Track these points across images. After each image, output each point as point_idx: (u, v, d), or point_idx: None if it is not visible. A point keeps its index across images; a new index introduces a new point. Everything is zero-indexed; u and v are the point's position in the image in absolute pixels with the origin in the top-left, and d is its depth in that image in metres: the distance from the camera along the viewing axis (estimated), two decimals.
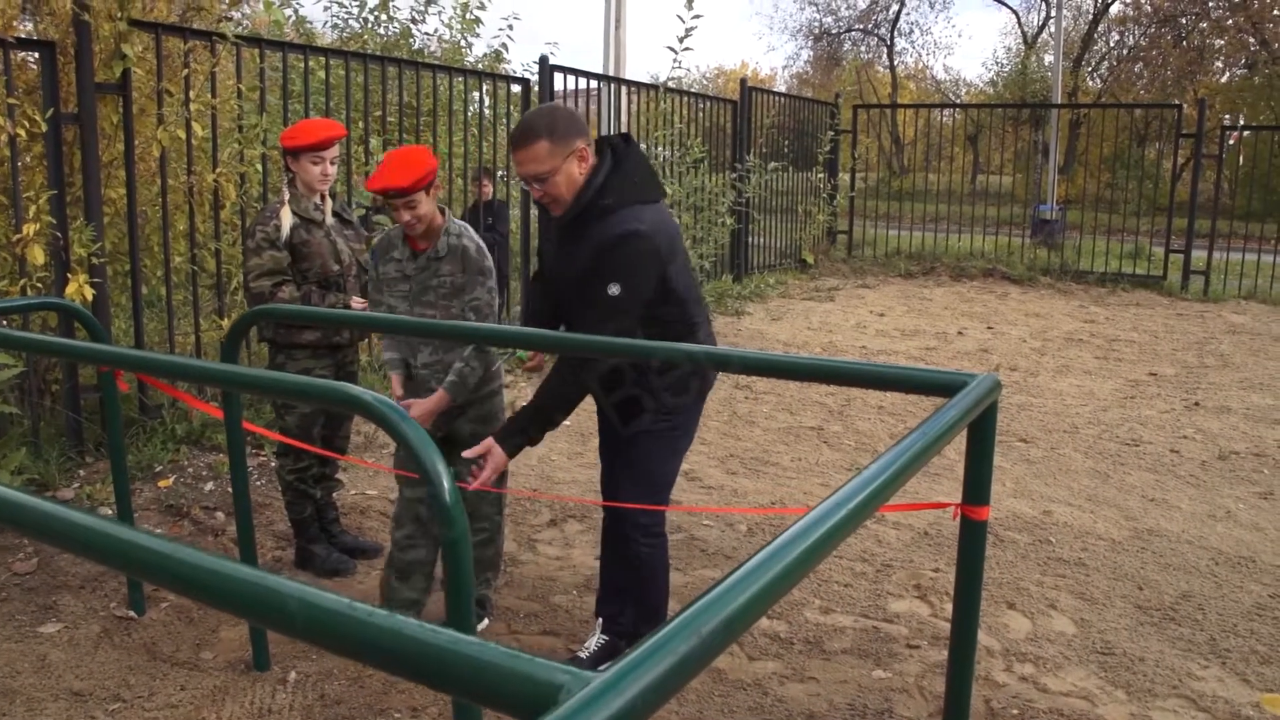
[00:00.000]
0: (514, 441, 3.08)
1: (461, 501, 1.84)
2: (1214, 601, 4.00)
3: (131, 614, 3.72)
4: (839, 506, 1.23)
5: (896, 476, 1.44)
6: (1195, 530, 4.75)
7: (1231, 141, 13.02)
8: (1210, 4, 27.37)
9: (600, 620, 3.54)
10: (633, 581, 3.39)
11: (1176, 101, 16.61)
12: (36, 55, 5.13)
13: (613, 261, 3.01)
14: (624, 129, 10.10)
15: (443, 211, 3.57)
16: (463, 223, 3.61)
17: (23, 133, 4.97)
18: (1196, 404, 7.13)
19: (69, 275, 5.02)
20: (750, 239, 12.39)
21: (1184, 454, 5.95)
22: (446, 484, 1.80)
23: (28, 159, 5.26)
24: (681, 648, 0.86)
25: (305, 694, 3.25)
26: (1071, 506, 5.05)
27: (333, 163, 4.08)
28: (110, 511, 4.46)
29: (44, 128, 5.01)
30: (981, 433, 1.97)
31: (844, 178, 14.62)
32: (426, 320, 3.27)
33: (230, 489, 3.67)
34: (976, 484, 1.99)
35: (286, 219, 4.00)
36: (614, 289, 3.00)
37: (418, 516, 3.59)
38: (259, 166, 6.24)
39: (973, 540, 2.01)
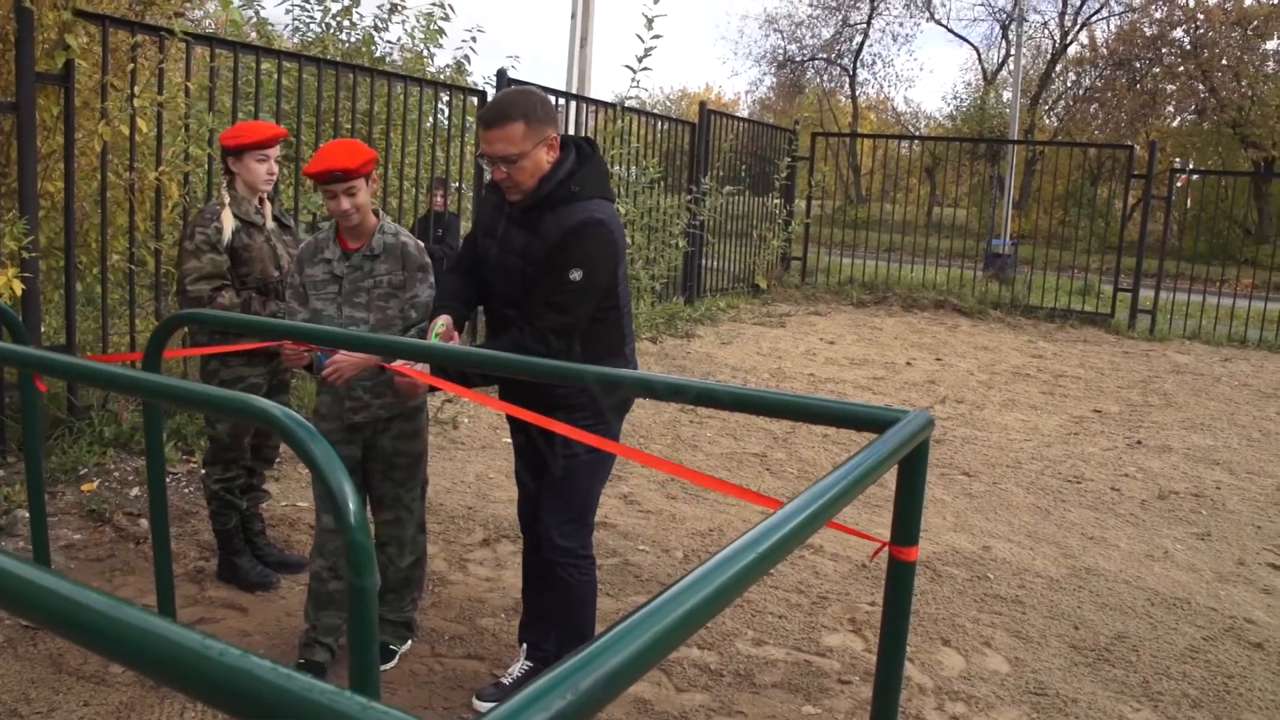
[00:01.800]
0: (443, 372, 3.00)
1: (368, 527, 1.75)
2: (1148, 643, 3.98)
3: None
4: (750, 547, 1.16)
5: (817, 516, 1.38)
6: (1133, 570, 4.75)
7: (1180, 184, 13.22)
8: (1163, 50, 27.90)
9: (524, 646, 3.45)
10: (558, 606, 3.30)
11: (1129, 143, 16.85)
12: None
13: (578, 247, 2.95)
14: None
15: (376, 213, 3.44)
16: (396, 223, 3.50)
17: None
18: (1139, 442, 7.18)
19: None
20: (703, 262, 12.37)
21: (1124, 492, 5.97)
22: (352, 507, 1.71)
23: None
24: (555, 704, 0.79)
25: (215, 714, 3.13)
26: (1011, 542, 5.03)
27: (276, 162, 3.99)
28: (26, 514, 4.31)
29: None
30: (912, 470, 1.91)
31: (800, 204, 14.66)
32: (361, 334, 3.15)
33: None
34: (905, 523, 1.93)
35: (228, 222, 3.89)
36: (575, 274, 2.94)
37: (340, 549, 3.43)
38: (205, 166, 6.11)
39: (900, 581, 1.95)
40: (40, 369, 2.60)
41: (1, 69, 5.00)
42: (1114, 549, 5.03)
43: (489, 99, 8.41)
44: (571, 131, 9.74)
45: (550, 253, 2.97)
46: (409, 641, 3.64)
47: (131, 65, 5.53)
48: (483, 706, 3.28)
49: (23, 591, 0.96)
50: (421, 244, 3.52)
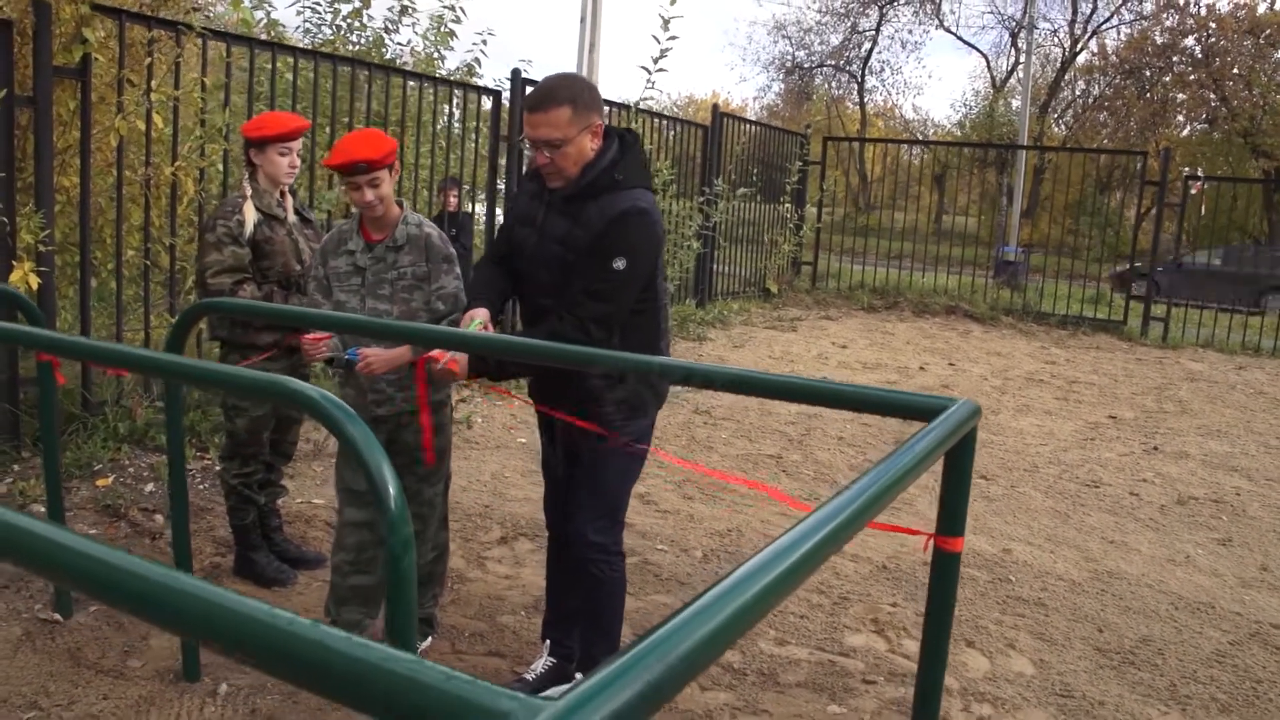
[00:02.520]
0: (481, 366, 3.00)
1: (407, 510, 1.71)
2: (1174, 647, 3.93)
3: (57, 617, 3.55)
4: (817, 528, 1.12)
5: (877, 499, 1.35)
6: (1155, 574, 4.70)
7: (1194, 191, 13.16)
8: (1174, 59, 27.86)
9: (547, 643, 3.41)
10: (586, 603, 3.26)
11: (1142, 149, 16.82)
12: None
13: (621, 235, 2.91)
14: None
15: (400, 205, 3.42)
16: (420, 214, 3.48)
17: None
18: (1155, 448, 7.13)
19: (14, 262, 4.85)
20: (715, 265, 12.33)
21: (1143, 497, 5.92)
22: (393, 491, 1.67)
23: None
24: (644, 676, 0.75)
25: (236, 708, 3.09)
26: (1031, 545, 4.99)
27: (299, 155, 3.97)
28: (42, 509, 4.28)
29: None
30: (959, 460, 1.88)
31: (811, 209, 14.62)
32: (385, 321, 3.12)
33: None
34: (951, 514, 1.90)
35: (250, 214, 3.85)
36: (619, 263, 2.89)
37: (362, 543, 3.40)
38: (220, 166, 6.08)
39: (945, 572, 1.91)
40: (71, 354, 2.57)
41: (19, 63, 4.97)
42: (1135, 553, 4.98)
43: (503, 99, 8.39)
44: None
45: (593, 241, 2.92)
46: (429, 638, 3.60)
47: (148, 60, 5.51)
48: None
49: (79, 564, 0.93)
50: (445, 235, 3.49)
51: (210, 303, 2.97)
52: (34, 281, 4.85)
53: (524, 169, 2.86)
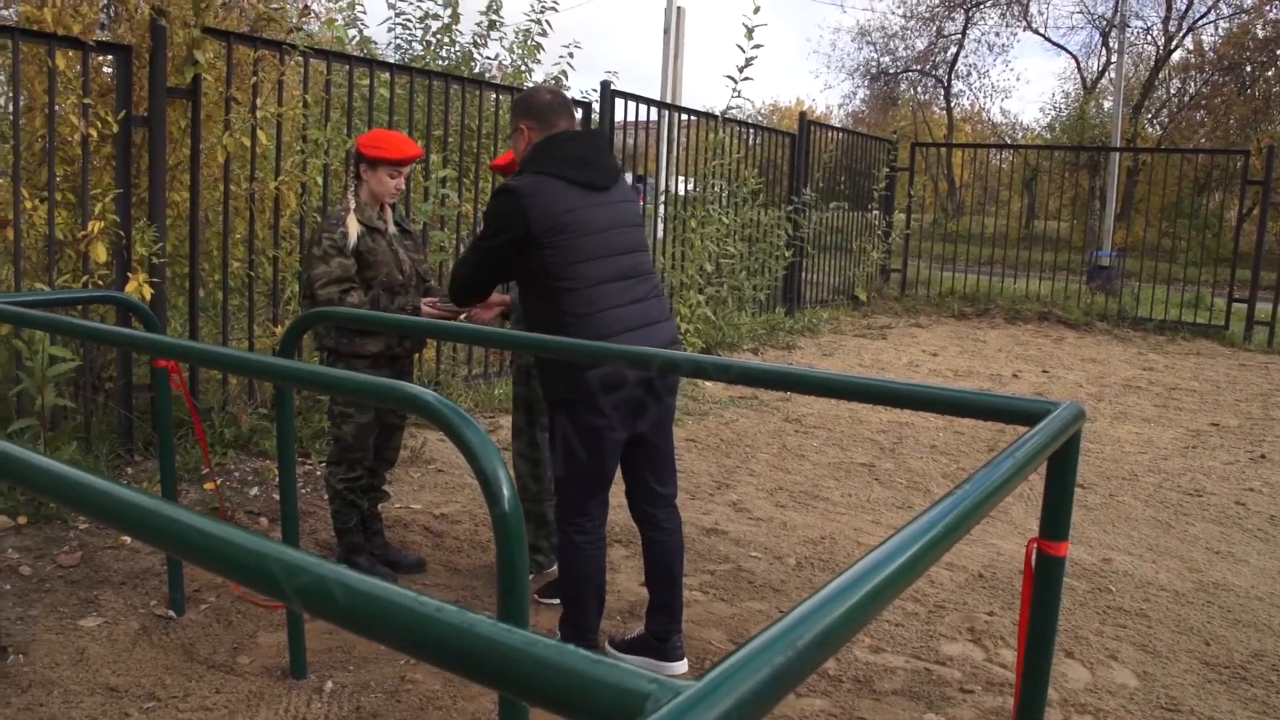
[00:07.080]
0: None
1: (521, 514, 1.76)
2: None
3: (171, 613, 3.69)
4: (933, 524, 1.15)
5: (983, 501, 1.36)
6: (1266, 587, 4.57)
7: None
8: (1278, 53, 26.96)
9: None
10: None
11: (1244, 148, 16.28)
12: (111, 58, 5.19)
13: (486, 210, 3.40)
14: (679, 158, 10.10)
15: None
16: None
17: (94, 133, 5.02)
18: (1263, 456, 6.92)
19: (129, 274, 5.06)
20: (804, 273, 12.29)
21: (1250, 507, 5.76)
22: (507, 493, 1.73)
23: (96, 160, 5.30)
24: (777, 659, 0.79)
25: (341, 705, 3.19)
26: (1132, 555, 4.89)
27: (406, 178, 4.10)
28: None
29: (115, 129, 5.06)
30: (1063, 464, 1.87)
31: (899, 216, 14.49)
32: (483, 328, 3.22)
33: (275, 495, 3.65)
34: (1055, 518, 1.89)
35: (353, 227, 3.98)
36: (480, 229, 3.46)
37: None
38: (319, 180, 6.26)
39: (1049, 577, 1.91)
40: (188, 358, 2.68)
41: (135, 85, 5.19)
42: (1243, 565, 4.86)
43: (593, 109, 8.50)
44: (666, 142, 9.83)
45: None
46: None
47: (254, 79, 5.71)
48: (611, 650, 3.60)
49: (225, 550, 0.99)
50: None
51: (320, 312, 3.07)
52: (147, 292, 5.06)
53: None
